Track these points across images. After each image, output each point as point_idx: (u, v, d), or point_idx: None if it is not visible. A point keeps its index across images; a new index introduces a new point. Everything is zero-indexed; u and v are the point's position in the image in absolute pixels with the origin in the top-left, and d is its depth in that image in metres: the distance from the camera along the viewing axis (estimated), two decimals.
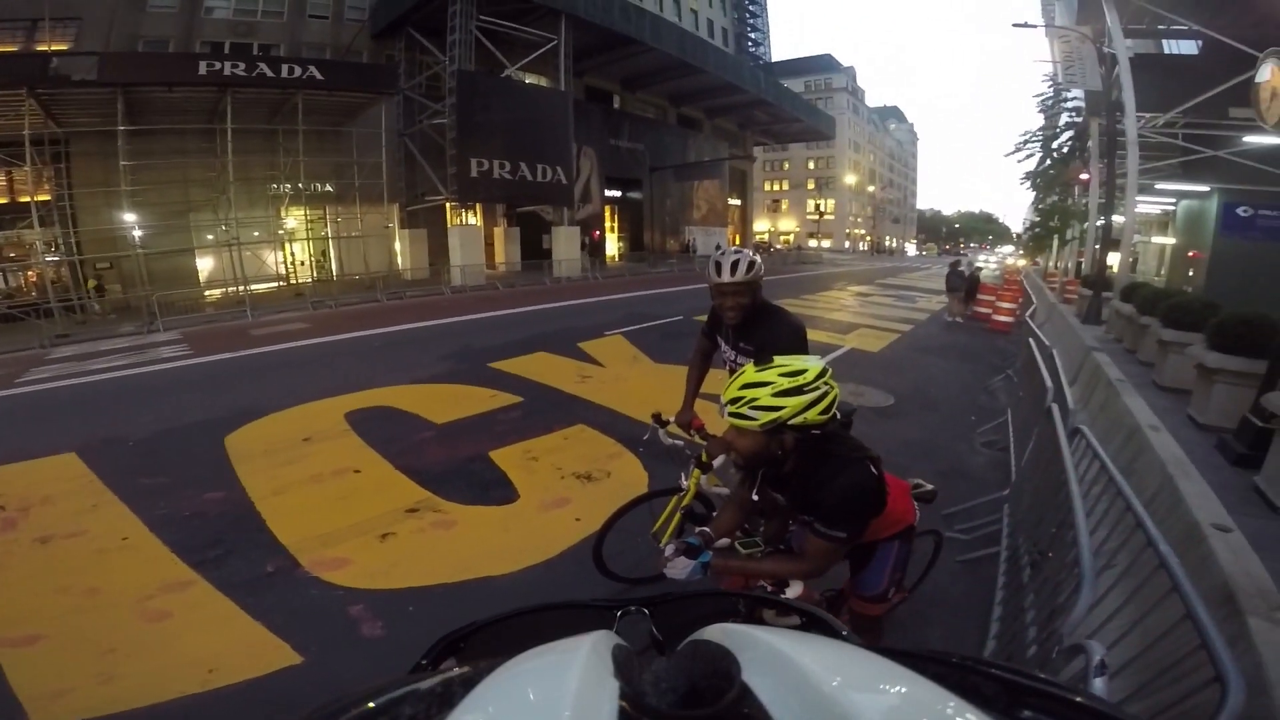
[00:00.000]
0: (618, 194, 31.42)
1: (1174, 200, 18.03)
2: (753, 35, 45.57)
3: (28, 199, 16.09)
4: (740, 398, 1.52)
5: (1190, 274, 16.34)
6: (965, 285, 12.66)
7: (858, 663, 0.46)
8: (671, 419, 2.70)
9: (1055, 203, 23.51)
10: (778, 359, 1.57)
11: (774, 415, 1.49)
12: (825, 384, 1.53)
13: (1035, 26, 13.55)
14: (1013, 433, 4.74)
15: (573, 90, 23.57)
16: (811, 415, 1.50)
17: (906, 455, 4.75)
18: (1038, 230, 26.94)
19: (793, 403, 1.48)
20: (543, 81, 24.25)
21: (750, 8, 45.22)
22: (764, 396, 1.50)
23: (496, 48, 20.70)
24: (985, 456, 4.89)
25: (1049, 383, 3.54)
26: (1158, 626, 1.57)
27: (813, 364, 1.55)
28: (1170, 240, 19.55)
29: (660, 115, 34.60)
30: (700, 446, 2.46)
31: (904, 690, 0.40)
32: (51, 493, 4.23)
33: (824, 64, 68.37)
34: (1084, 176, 17.41)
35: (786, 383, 1.50)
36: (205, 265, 20.22)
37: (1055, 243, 25.32)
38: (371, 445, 4.89)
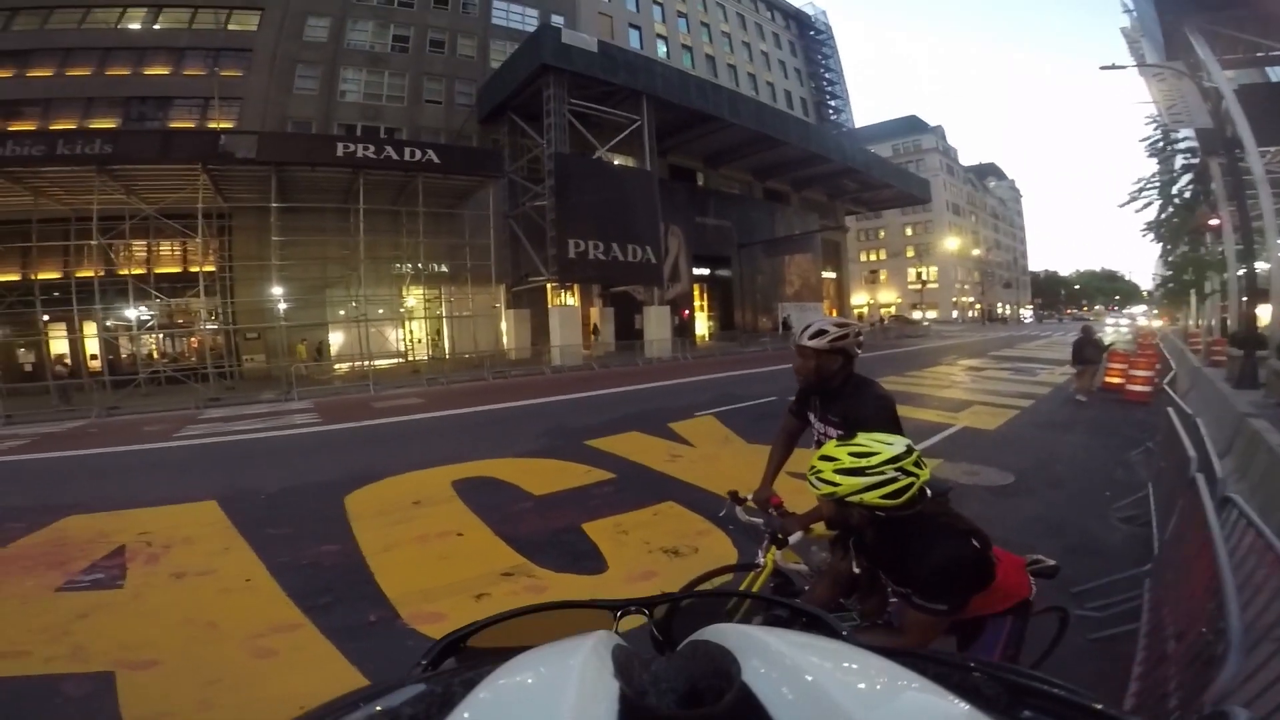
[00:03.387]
0: (706, 272, 30.98)
1: None
2: (833, 103, 45.27)
3: (196, 269, 18.36)
4: (814, 466, 1.62)
5: None
6: (1100, 357, 10.94)
7: (857, 663, 0.46)
8: (749, 496, 2.66)
9: (1186, 253, 21.31)
10: (862, 437, 1.62)
11: (830, 490, 1.56)
12: (898, 470, 1.52)
13: (1124, 68, 12.44)
14: (1155, 506, 4.23)
15: (658, 169, 24.46)
16: (870, 498, 1.52)
17: (1029, 534, 4.33)
18: (1170, 285, 24.48)
19: (849, 482, 1.53)
20: (630, 162, 25.31)
21: (826, 76, 45.16)
22: (827, 470, 1.58)
23: (587, 130, 22.09)
24: (1123, 532, 4.37)
25: (1191, 452, 3.31)
26: None
27: (892, 449, 1.55)
28: None
29: (745, 190, 34.71)
30: (778, 523, 2.39)
31: (904, 690, 0.40)
32: (191, 534, 4.79)
33: (911, 125, 67.13)
34: (1214, 222, 15.71)
35: (850, 462, 1.56)
36: (336, 339, 22.22)
37: (1193, 298, 22.77)
38: (474, 511, 5.14)
